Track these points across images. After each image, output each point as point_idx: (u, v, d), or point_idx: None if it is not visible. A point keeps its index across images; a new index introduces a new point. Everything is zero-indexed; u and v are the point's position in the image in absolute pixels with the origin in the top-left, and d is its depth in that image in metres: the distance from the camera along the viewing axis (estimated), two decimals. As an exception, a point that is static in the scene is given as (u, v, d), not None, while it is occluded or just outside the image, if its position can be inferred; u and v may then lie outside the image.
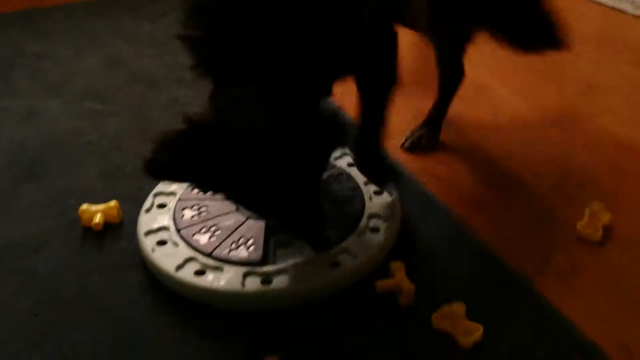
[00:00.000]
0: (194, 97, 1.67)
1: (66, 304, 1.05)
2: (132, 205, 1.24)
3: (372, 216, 1.15)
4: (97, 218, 1.20)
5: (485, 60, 1.81)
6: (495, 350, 0.95)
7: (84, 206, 1.22)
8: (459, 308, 0.99)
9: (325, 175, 1.22)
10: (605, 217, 1.17)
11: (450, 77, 1.39)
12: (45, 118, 1.60)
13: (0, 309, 1.04)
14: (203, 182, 0.95)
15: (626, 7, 2.04)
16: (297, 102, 0.95)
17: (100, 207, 1.22)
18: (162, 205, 1.21)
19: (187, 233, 1.13)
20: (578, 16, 2.03)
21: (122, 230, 1.21)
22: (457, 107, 1.56)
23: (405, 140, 1.42)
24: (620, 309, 1.02)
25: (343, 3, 0.96)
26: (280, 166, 0.92)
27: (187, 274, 1.05)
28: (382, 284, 1.05)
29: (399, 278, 1.04)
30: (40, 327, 1.01)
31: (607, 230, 1.16)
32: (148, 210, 1.19)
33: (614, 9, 2.05)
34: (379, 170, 1.22)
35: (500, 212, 1.23)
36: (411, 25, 1.21)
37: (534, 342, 0.96)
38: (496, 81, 1.69)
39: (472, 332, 0.96)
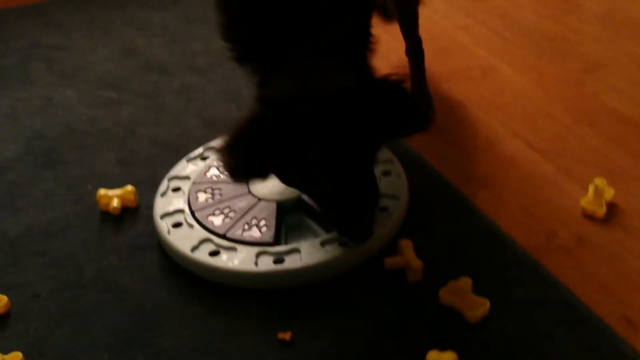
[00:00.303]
0: (205, 83, 1.70)
1: (85, 285, 1.09)
2: (148, 189, 1.28)
3: (381, 196, 1.18)
4: (115, 202, 1.24)
5: (491, 40, 1.82)
6: (501, 324, 0.98)
7: (102, 191, 1.26)
8: (465, 283, 1.02)
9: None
10: (609, 193, 1.18)
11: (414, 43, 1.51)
12: (61, 107, 1.63)
13: (22, 290, 1.09)
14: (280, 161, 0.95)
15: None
16: (361, 64, 0.99)
17: (118, 192, 1.26)
18: (176, 189, 1.24)
19: (201, 215, 1.16)
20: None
21: (138, 214, 1.25)
22: (464, 86, 1.58)
23: None
24: (625, 283, 1.03)
25: None
26: (355, 136, 0.93)
27: (202, 255, 1.08)
28: (391, 261, 1.07)
29: (407, 255, 1.07)
30: (61, 307, 1.06)
31: (611, 206, 1.17)
32: (163, 194, 1.23)
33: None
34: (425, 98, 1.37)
35: (505, 189, 1.25)
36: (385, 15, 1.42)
37: (539, 316, 0.98)
38: (501, 61, 1.70)
39: (478, 307, 0.99)
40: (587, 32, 1.82)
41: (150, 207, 1.22)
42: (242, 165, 0.95)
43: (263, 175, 0.99)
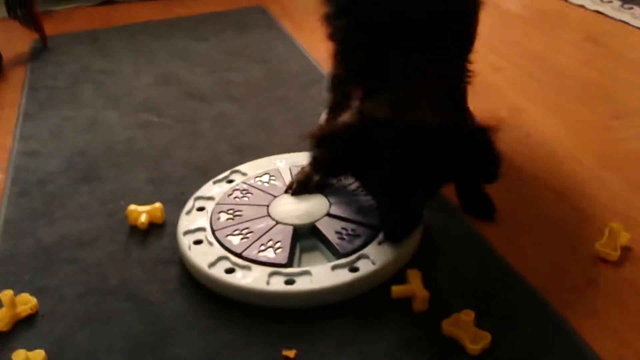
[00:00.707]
0: (239, 111, 1.79)
1: (108, 293, 1.16)
2: (176, 207, 1.35)
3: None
4: (143, 218, 1.31)
5: (523, 82, 1.85)
6: (502, 357, 0.99)
7: (132, 207, 1.34)
8: (468, 315, 1.03)
9: (354, 185, 1.29)
10: (624, 238, 1.18)
11: None
12: (103, 127, 1.74)
13: (51, 293, 1.16)
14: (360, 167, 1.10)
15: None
16: (455, 100, 1.13)
17: (146, 208, 1.34)
18: (201, 209, 1.31)
19: (221, 234, 1.22)
20: (626, 41, 2.04)
21: (164, 230, 1.32)
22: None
23: None
24: (632, 327, 1.03)
25: None
26: (435, 163, 1.05)
27: (218, 271, 1.14)
28: (398, 290, 1.10)
29: (415, 285, 1.10)
30: (85, 312, 1.12)
31: (626, 250, 1.17)
32: (188, 212, 1.30)
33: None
34: (483, 204, 1.32)
35: (520, 227, 1.27)
36: None
37: (540, 354, 0.99)
38: (532, 103, 1.73)
39: (480, 340, 1.00)
40: (622, 78, 1.83)
41: (175, 224, 1.29)
42: (331, 160, 1.10)
43: (344, 172, 1.15)
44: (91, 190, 1.47)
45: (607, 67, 1.92)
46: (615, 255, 1.16)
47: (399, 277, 1.13)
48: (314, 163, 1.13)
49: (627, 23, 2.16)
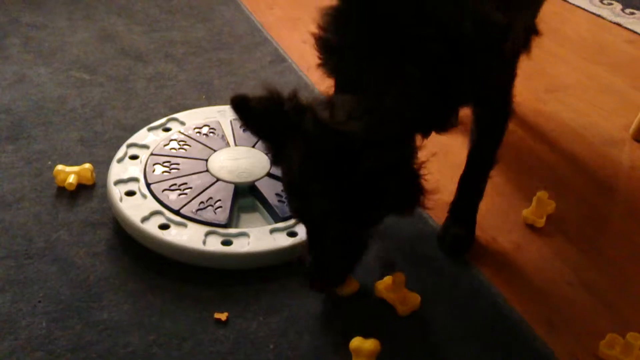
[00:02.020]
0: (178, 72, 1.73)
1: (32, 256, 1.11)
2: (106, 169, 1.29)
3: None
4: (71, 178, 1.26)
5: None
6: (429, 319, 1.01)
7: (59, 167, 1.28)
8: (399, 278, 1.05)
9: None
10: (551, 206, 1.23)
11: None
12: (32, 84, 1.65)
13: (-29, 256, 1.11)
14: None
15: (606, 13, 2.10)
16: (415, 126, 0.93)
17: (75, 168, 1.28)
18: (134, 157, 1.26)
19: (157, 188, 1.18)
20: (563, 20, 2.09)
21: (94, 192, 1.27)
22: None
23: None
24: (552, 289, 1.08)
25: (492, 35, 0.92)
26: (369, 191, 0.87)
27: (151, 227, 1.10)
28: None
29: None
30: (5, 275, 1.07)
31: (551, 218, 1.22)
32: (120, 160, 1.25)
33: (595, 14, 2.11)
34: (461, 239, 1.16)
35: (452, 193, 1.29)
36: None
37: (467, 313, 1.02)
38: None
39: (409, 302, 1.02)
40: (558, 54, 1.88)
41: (106, 186, 1.24)
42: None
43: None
44: (17, 149, 1.39)
45: (544, 43, 1.96)
46: (541, 222, 1.20)
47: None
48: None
49: (567, 1, 2.21)
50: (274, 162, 0.97)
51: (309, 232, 0.97)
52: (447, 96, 0.93)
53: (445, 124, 0.97)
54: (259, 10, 2.10)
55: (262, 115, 0.91)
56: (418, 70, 0.88)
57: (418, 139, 0.97)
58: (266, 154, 0.96)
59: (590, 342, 0.98)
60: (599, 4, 2.17)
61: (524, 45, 1.11)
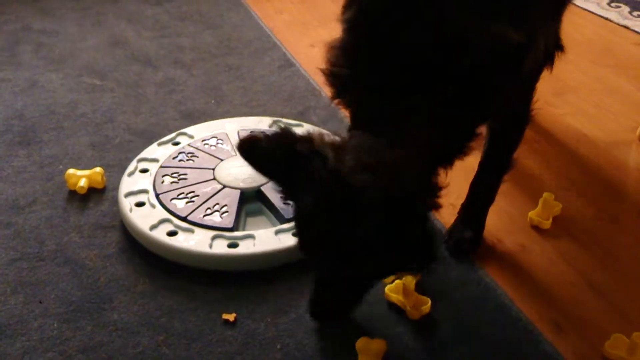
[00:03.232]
0: (188, 78, 1.75)
1: (44, 258, 1.13)
2: (117, 173, 1.32)
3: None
4: (82, 182, 1.28)
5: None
6: (436, 319, 1.02)
7: (70, 171, 1.30)
8: (409, 282, 1.05)
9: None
10: (557, 208, 1.23)
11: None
12: (44, 90, 1.68)
13: (-16, 258, 1.13)
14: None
15: (613, 16, 2.10)
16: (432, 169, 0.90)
17: (86, 172, 1.30)
18: (144, 170, 1.29)
19: (165, 197, 1.20)
20: (571, 23, 2.09)
21: (104, 195, 1.29)
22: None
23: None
24: (557, 290, 1.08)
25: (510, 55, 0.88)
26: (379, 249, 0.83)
27: (159, 234, 1.12)
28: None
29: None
30: (17, 277, 1.09)
31: (557, 219, 1.22)
32: (131, 174, 1.27)
33: (603, 17, 2.11)
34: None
35: (460, 197, 1.29)
36: None
37: (473, 314, 1.03)
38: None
39: (420, 305, 1.03)
40: (565, 58, 1.88)
41: (117, 189, 1.26)
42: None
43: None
44: (29, 153, 1.42)
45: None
46: (547, 224, 1.20)
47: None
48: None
49: (575, 4, 2.21)
50: (284, 200, 0.92)
51: (314, 268, 0.95)
52: (467, 123, 0.90)
53: (466, 150, 0.93)
54: (267, 16, 2.12)
55: (273, 156, 0.86)
56: (436, 102, 0.84)
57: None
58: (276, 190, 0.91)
59: (596, 343, 0.98)
60: (607, 6, 2.17)
61: (546, 62, 1.07)
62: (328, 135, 0.89)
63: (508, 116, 1.06)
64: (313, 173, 0.84)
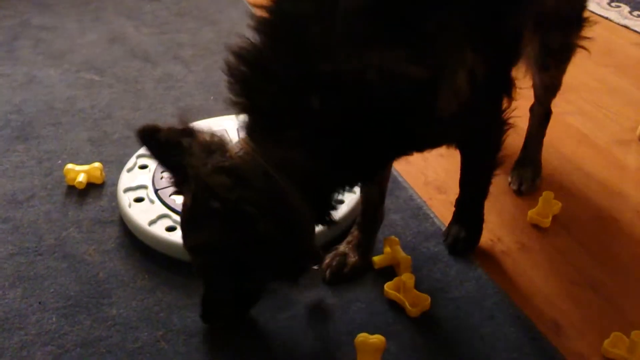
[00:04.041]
0: (186, 74, 1.74)
1: (42, 253, 1.13)
2: (116, 168, 1.32)
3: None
4: (81, 177, 1.27)
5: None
6: (435, 317, 1.02)
7: (69, 166, 1.29)
8: (408, 279, 1.05)
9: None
10: (556, 206, 1.23)
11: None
12: (42, 85, 1.67)
13: (-18, 252, 1.12)
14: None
15: (613, 16, 2.10)
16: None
17: (85, 167, 1.30)
18: (143, 167, 1.28)
19: (164, 193, 1.20)
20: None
21: (103, 190, 1.29)
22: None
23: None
24: (557, 289, 1.08)
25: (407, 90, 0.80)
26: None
27: (158, 229, 1.12)
28: (379, 260, 1.09)
29: (395, 251, 1.09)
30: (16, 271, 1.09)
31: (556, 218, 1.22)
32: (130, 170, 1.27)
33: (603, 17, 2.11)
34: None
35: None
36: None
37: (472, 312, 1.03)
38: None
39: (419, 303, 1.03)
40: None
41: (115, 185, 1.25)
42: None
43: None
44: (27, 148, 1.41)
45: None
46: (547, 222, 1.20)
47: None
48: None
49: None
50: (176, 192, 0.93)
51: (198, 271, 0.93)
52: (360, 154, 0.83)
53: (369, 177, 0.91)
54: (266, 13, 2.11)
55: (167, 148, 0.88)
56: (310, 127, 0.80)
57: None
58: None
59: (595, 341, 0.98)
60: (607, 6, 2.18)
61: (491, 95, 0.94)
62: (215, 135, 0.88)
63: (473, 143, 1.01)
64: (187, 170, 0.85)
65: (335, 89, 0.78)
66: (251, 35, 0.85)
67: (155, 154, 0.90)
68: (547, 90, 1.28)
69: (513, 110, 1.00)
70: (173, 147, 0.87)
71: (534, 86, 1.28)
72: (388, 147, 0.86)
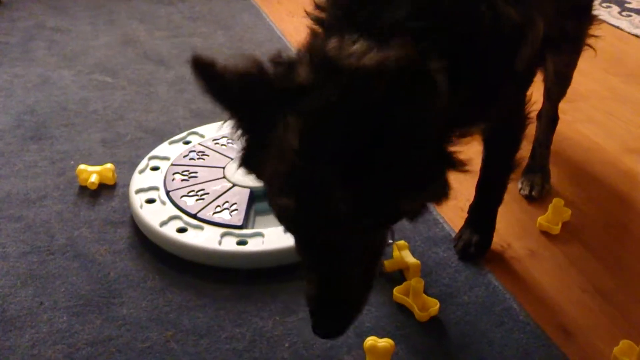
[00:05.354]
0: (198, 77, 1.76)
1: (54, 252, 1.14)
2: (128, 170, 1.33)
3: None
4: (93, 178, 1.28)
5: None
6: (444, 322, 1.02)
7: (82, 166, 1.31)
8: (417, 284, 1.05)
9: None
10: (567, 213, 1.23)
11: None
12: (56, 87, 1.69)
13: (-5, 250, 1.14)
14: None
15: (624, 25, 2.10)
16: None
17: (97, 168, 1.31)
18: (155, 168, 1.29)
19: (175, 195, 1.21)
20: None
21: (115, 191, 1.30)
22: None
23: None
24: (566, 295, 1.08)
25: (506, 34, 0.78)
26: None
27: (169, 230, 1.13)
28: (390, 263, 1.10)
29: (405, 255, 1.09)
30: (28, 269, 1.10)
31: (566, 225, 1.22)
32: (142, 171, 1.28)
33: (614, 26, 2.11)
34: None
35: (470, 201, 1.29)
36: None
37: (481, 318, 1.03)
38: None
39: (428, 307, 1.03)
40: (577, 65, 1.88)
41: (127, 186, 1.26)
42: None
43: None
44: (40, 149, 1.43)
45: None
46: (556, 229, 1.20)
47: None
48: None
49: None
50: (246, 156, 0.78)
51: (308, 250, 0.78)
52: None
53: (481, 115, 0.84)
54: (279, 18, 2.13)
55: (237, 87, 0.72)
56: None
57: None
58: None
59: (604, 349, 0.98)
60: (618, 15, 2.18)
61: (545, 52, 0.97)
62: None
63: (502, 120, 0.97)
64: (297, 84, 0.71)
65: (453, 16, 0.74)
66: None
67: (217, 93, 0.74)
68: (557, 83, 1.29)
69: (533, 104, 1.03)
70: (246, 88, 0.72)
71: (546, 78, 1.27)
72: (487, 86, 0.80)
